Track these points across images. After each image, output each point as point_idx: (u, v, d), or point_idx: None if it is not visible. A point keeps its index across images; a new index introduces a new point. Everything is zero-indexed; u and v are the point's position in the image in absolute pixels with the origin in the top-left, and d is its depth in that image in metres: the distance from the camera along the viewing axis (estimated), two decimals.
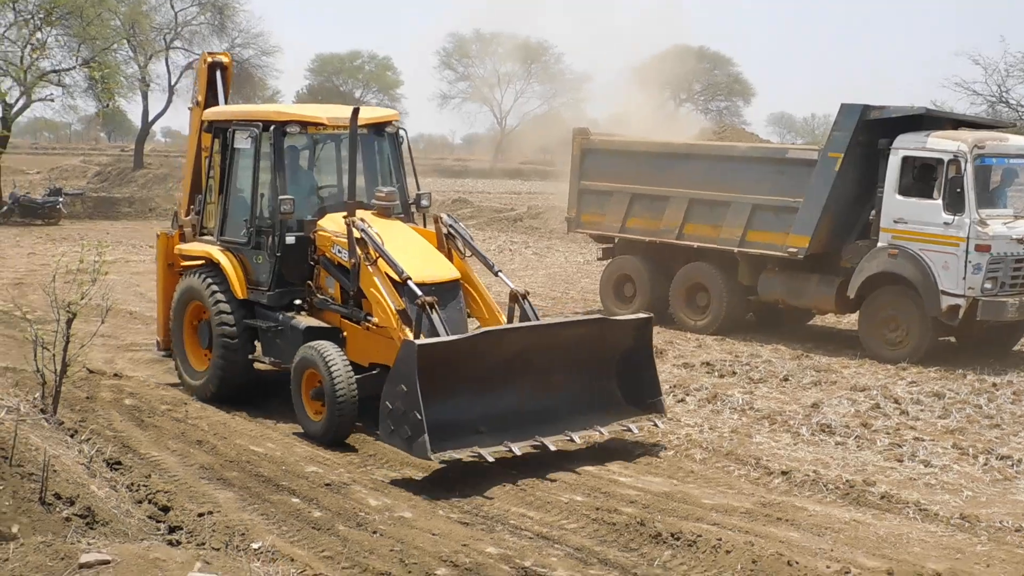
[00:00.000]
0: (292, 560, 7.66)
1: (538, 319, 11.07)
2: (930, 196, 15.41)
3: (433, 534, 8.39)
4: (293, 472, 9.91)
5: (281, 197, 11.59)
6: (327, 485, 9.54)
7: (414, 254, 11.23)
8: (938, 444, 11.27)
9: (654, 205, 18.40)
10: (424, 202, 12.39)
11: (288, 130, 11.94)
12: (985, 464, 10.64)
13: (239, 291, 12.07)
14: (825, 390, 13.67)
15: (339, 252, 11.38)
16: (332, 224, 11.64)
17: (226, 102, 13.77)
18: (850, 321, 17.93)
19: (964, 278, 15.04)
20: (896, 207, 15.67)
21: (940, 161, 15.31)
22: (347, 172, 11.69)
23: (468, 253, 11.79)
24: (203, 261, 12.54)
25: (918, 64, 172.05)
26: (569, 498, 9.29)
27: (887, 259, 15.73)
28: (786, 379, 14.13)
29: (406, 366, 9.33)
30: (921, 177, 15.58)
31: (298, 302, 11.90)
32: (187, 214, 13.61)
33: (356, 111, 11.62)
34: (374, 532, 8.42)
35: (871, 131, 16.04)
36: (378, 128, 12.59)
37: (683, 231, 17.99)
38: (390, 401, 9.48)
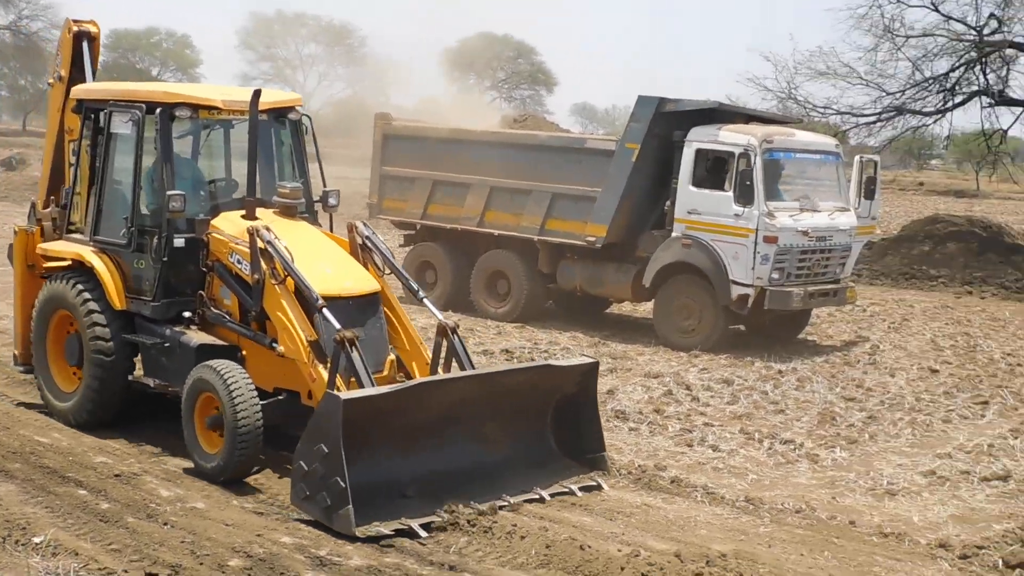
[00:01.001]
0: (76, 554, 7.36)
1: (469, 358, 9.61)
2: (721, 188, 15.88)
3: (227, 524, 8.19)
4: (81, 463, 9.50)
5: (170, 192, 9.82)
6: (116, 476, 9.18)
7: (327, 262, 9.82)
8: (726, 429, 11.63)
9: (455, 192, 18.43)
10: (332, 200, 10.71)
11: (177, 114, 10.23)
12: (769, 448, 11.04)
13: (117, 301, 10.31)
14: (620, 377, 13.94)
15: (238, 262, 9.78)
16: (229, 226, 10.04)
17: (94, 79, 11.87)
18: (645, 309, 18.34)
19: (753, 268, 15.56)
20: (690, 198, 16.10)
21: (731, 154, 15.79)
22: (247, 164, 10.07)
23: (387, 271, 10.26)
24: (72, 264, 10.72)
25: (715, 60, 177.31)
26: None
27: (681, 249, 16.14)
28: None
29: (328, 423, 7.97)
30: (713, 169, 16.04)
31: (188, 314, 10.18)
32: (46, 206, 11.84)
33: (257, 93, 10.01)
34: (165, 523, 8.14)
35: (667, 123, 16.42)
36: (279, 113, 10.87)
37: (484, 219, 18.08)
38: (306, 462, 8.09)
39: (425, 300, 10.04)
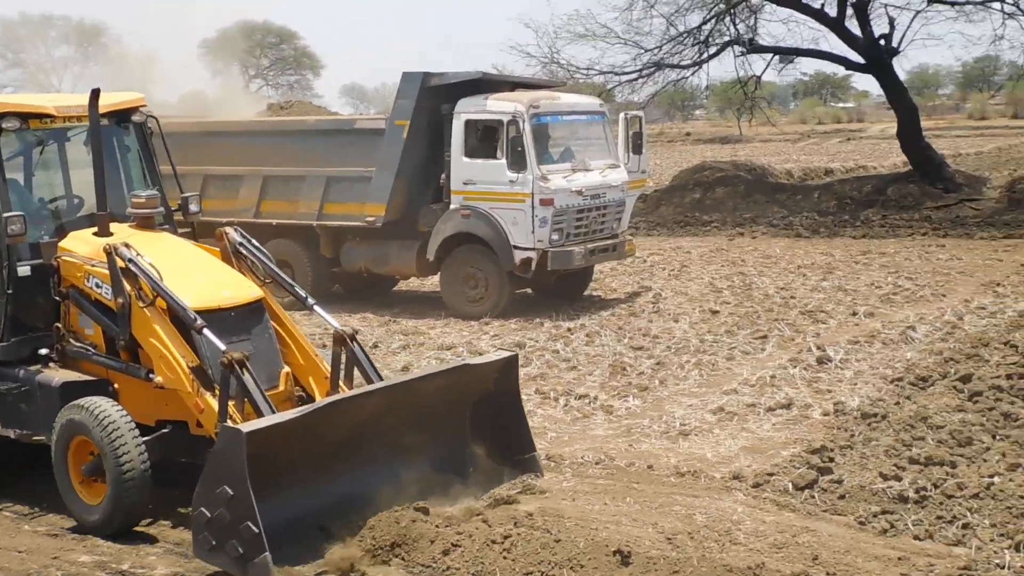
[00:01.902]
0: None
1: (374, 368, 8.52)
2: (494, 156, 16.05)
3: (19, 552, 7.86)
4: None
5: (6, 215, 8.65)
6: None
7: (199, 274, 8.75)
8: (522, 392, 11.78)
9: (228, 185, 18.03)
10: (193, 207, 9.68)
11: (4, 125, 8.98)
12: (565, 405, 11.27)
13: None
14: (414, 352, 13.97)
15: (97, 286, 8.62)
16: (81, 246, 8.87)
17: None
18: (433, 283, 18.41)
19: (533, 232, 15.79)
20: (464, 169, 16.21)
21: (500, 122, 15.96)
22: (92, 176, 8.93)
23: (267, 278, 9.08)
24: None
25: (480, 29, 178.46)
26: (164, 493, 8.97)
27: (460, 220, 16.25)
28: (375, 346, 14.31)
29: (230, 461, 6.89)
30: (484, 139, 16.19)
31: (44, 351, 9.01)
32: None
33: (96, 94, 8.82)
34: None
35: (434, 97, 16.46)
36: (120, 117, 9.75)
37: (260, 209, 17.75)
38: (208, 507, 6.98)
39: (316, 307, 8.88)
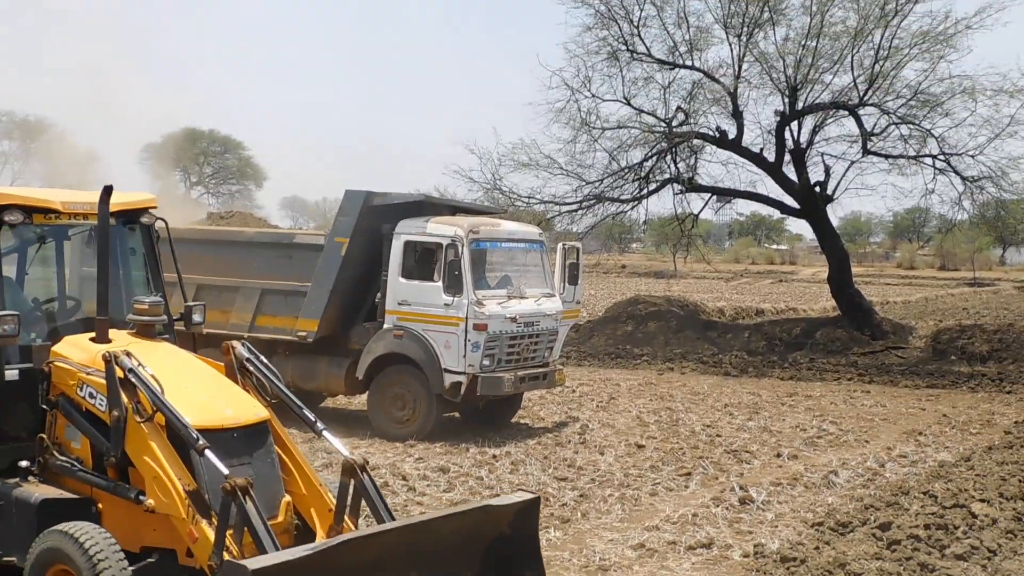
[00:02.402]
0: None
1: (385, 503, 7.80)
2: (431, 279, 16.12)
3: None
4: None
5: (0, 313, 8.14)
6: None
7: (201, 389, 8.14)
8: None
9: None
10: (197, 317, 9.17)
11: (7, 219, 8.45)
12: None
13: None
14: (335, 471, 13.77)
15: (91, 396, 8.02)
16: (76, 352, 8.31)
17: None
18: (360, 402, 18.29)
19: (464, 356, 15.81)
20: (400, 290, 16.26)
21: (439, 245, 16.08)
22: (95, 277, 8.41)
23: (273, 398, 8.48)
24: None
25: (424, 151, 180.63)
26: None
27: (393, 340, 16.24)
28: None
29: None
30: (422, 261, 16.28)
31: (24, 464, 8.34)
32: None
33: (108, 191, 8.39)
34: None
35: (375, 216, 16.57)
36: (129, 217, 9.25)
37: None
38: None
39: (325, 432, 8.25)
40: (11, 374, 8.39)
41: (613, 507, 12.35)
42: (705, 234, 43.20)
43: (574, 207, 30.75)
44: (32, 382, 8.43)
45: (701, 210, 33.09)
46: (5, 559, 8.00)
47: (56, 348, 8.43)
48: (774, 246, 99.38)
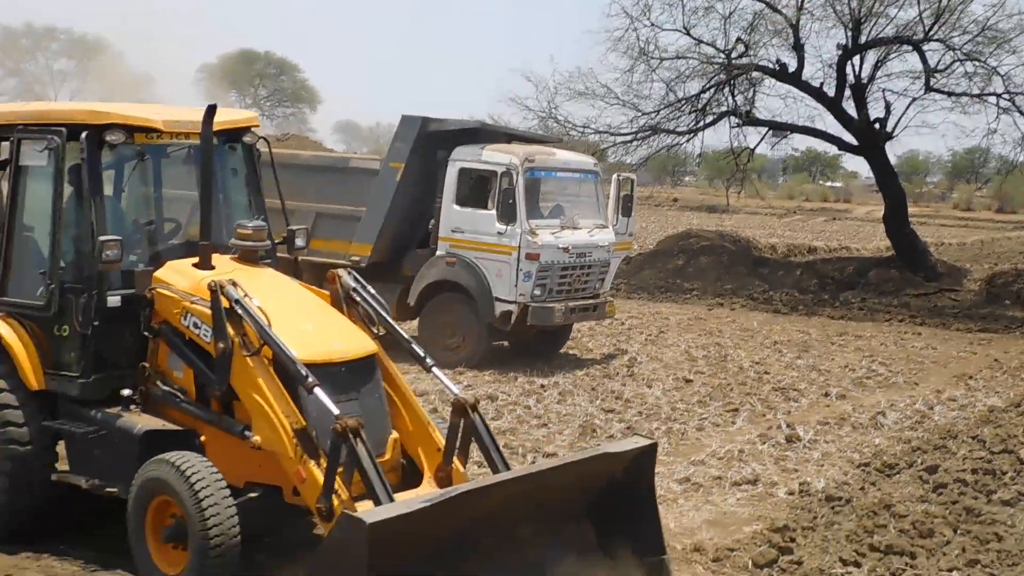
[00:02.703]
0: None
1: (496, 444, 7.55)
2: (484, 207, 16.14)
3: None
4: None
5: (102, 239, 7.76)
6: None
7: (307, 320, 7.85)
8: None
9: None
10: (299, 242, 8.86)
11: (109, 138, 8.10)
12: (532, 463, 11.27)
13: (32, 379, 8.19)
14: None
15: (195, 326, 7.69)
16: (179, 278, 7.95)
17: None
18: (411, 328, 18.41)
19: (516, 285, 15.87)
20: (454, 217, 16.29)
21: (494, 173, 16.07)
22: (199, 199, 8.11)
23: (381, 330, 8.14)
24: None
25: (480, 79, 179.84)
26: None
27: (445, 267, 16.31)
28: None
29: (348, 554, 6.00)
30: (477, 188, 16.29)
31: (127, 393, 8.05)
32: None
33: (212, 110, 8.03)
34: None
35: (430, 143, 16.57)
36: (231, 136, 8.90)
37: None
38: None
39: (434, 370, 7.91)
40: (113, 300, 8.05)
41: (660, 440, 12.34)
42: (759, 169, 42.76)
43: (629, 138, 30.51)
44: (134, 309, 8.08)
45: (757, 144, 32.81)
46: (108, 489, 7.83)
47: (158, 274, 8.05)
48: (829, 183, 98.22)
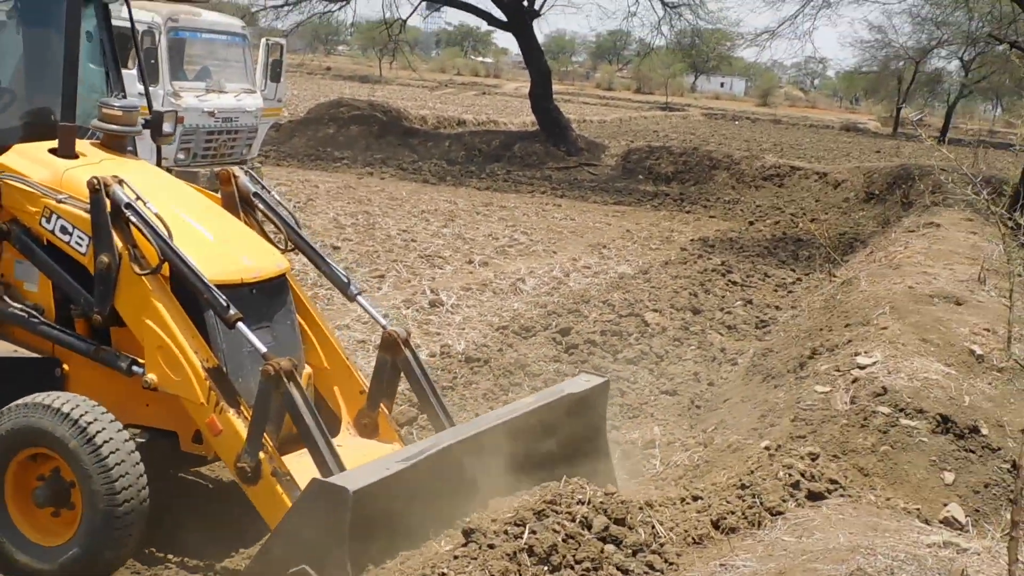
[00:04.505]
0: None
1: (432, 385, 6.48)
2: (125, 66, 15.38)
3: None
4: None
5: None
6: None
7: (208, 228, 6.27)
8: None
9: None
10: (167, 127, 7.16)
11: None
12: None
13: None
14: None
15: (64, 231, 6.02)
16: (32, 166, 6.22)
17: None
18: None
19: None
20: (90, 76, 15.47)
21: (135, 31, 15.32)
22: (61, 68, 6.31)
23: (288, 245, 6.68)
24: None
25: None
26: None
27: None
28: None
29: (326, 529, 5.00)
30: (118, 47, 15.48)
31: None
32: None
33: None
34: None
35: None
36: None
37: None
38: None
39: (359, 298, 6.63)
40: None
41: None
42: (412, 41, 42.92)
43: (280, 3, 29.90)
44: None
45: (410, 16, 33.03)
46: None
47: (3, 160, 6.29)
48: (480, 59, 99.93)
